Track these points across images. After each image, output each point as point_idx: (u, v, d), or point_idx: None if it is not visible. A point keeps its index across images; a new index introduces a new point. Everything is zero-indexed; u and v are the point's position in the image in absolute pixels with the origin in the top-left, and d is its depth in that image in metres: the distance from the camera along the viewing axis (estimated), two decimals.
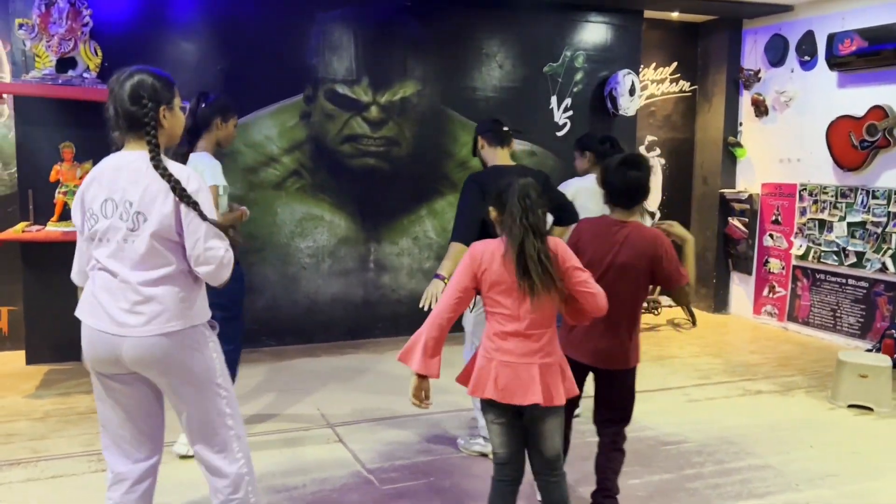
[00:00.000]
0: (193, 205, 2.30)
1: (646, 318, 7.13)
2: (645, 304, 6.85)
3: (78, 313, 2.40)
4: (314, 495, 3.36)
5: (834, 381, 4.87)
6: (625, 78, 6.65)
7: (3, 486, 3.39)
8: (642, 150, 7.72)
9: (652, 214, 6.61)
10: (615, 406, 3.14)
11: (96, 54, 5.12)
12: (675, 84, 7.78)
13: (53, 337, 5.30)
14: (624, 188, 2.98)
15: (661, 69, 7.68)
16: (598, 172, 3.25)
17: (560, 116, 6.75)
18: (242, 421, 2.56)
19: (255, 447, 3.83)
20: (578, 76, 6.77)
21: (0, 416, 4.28)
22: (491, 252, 2.58)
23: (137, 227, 2.29)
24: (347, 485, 3.47)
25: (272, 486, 3.43)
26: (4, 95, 5.27)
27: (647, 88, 7.64)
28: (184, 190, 2.29)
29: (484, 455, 3.77)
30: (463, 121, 6.37)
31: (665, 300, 7.17)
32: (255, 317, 5.90)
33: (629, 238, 2.96)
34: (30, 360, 5.36)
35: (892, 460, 3.91)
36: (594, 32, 6.80)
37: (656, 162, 7.82)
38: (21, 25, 4.93)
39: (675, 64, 7.72)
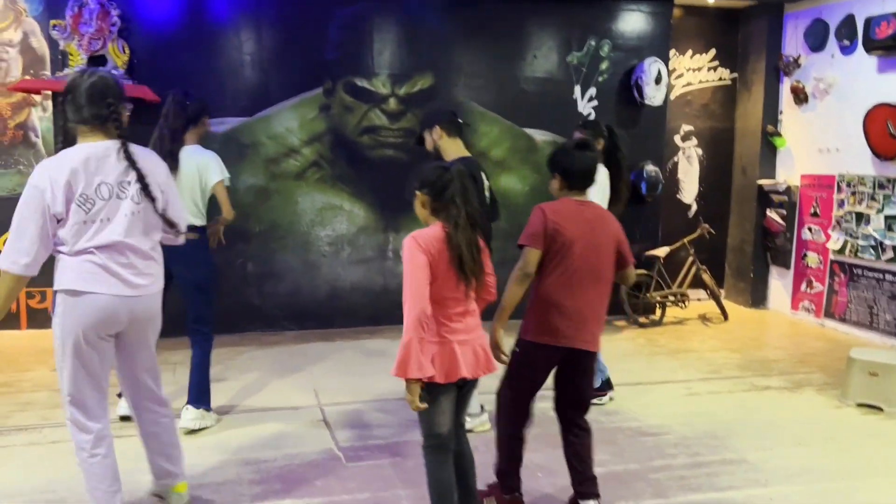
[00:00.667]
0: (152, 200, 2.74)
1: (673, 312, 7.00)
2: (672, 298, 6.76)
3: (82, 285, 2.63)
4: (280, 469, 3.53)
5: (843, 378, 4.68)
6: (651, 66, 6.53)
7: (6, 448, 3.72)
8: (678, 139, 7.57)
9: None
10: (586, 389, 3.19)
11: (124, 52, 5.46)
12: (713, 72, 7.56)
13: None
14: (584, 170, 3.07)
15: (697, 57, 7.48)
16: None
17: (584, 106, 6.69)
18: None
19: (242, 423, 4.08)
20: (604, 65, 6.69)
21: (25, 387, 4.66)
22: (434, 238, 2.63)
23: (141, 202, 2.70)
24: (315, 461, 3.62)
25: (244, 458, 3.63)
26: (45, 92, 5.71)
27: (682, 77, 7.46)
28: (147, 185, 2.72)
29: None
30: (482, 111, 6.42)
31: (693, 294, 7.01)
32: (276, 302, 6.16)
33: (598, 217, 3.07)
34: None
35: (882, 461, 3.75)
36: (621, 20, 6.70)
37: (693, 152, 7.64)
38: (54, 26, 5.32)
39: (713, 51, 7.51)
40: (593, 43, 6.64)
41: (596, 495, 3.10)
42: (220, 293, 5.86)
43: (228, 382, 4.79)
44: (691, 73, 7.48)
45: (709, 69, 7.53)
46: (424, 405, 2.57)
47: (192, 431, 3.90)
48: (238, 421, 4.14)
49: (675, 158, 7.58)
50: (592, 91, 6.69)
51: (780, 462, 3.70)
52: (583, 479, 3.09)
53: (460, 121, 3.91)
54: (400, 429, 4.07)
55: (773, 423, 4.24)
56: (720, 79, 7.58)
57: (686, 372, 5.25)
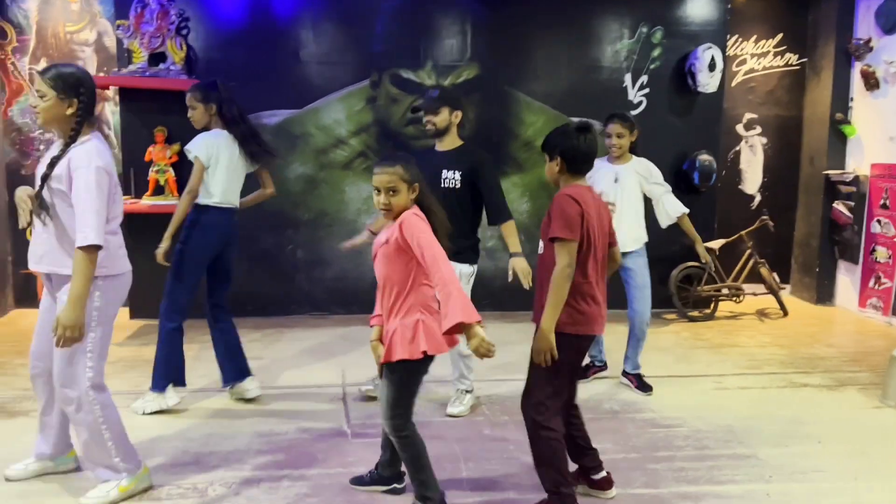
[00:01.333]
0: None
1: (729, 307, 6.79)
2: (725, 291, 6.56)
3: (121, 267, 3.04)
4: (289, 441, 3.71)
5: (885, 378, 4.44)
6: (704, 53, 6.33)
7: None
8: (739, 128, 7.31)
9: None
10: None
11: (181, 48, 5.80)
12: (779, 57, 7.24)
13: (152, 295, 6.10)
14: (589, 154, 2.98)
15: (762, 42, 7.19)
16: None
17: (635, 95, 6.57)
18: None
19: (266, 399, 4.31)
20: (656, 52, 6.55)
21: None
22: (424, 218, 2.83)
23: None
24: (323, 435, 3.79)
25: (258, 430, 3.84)
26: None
27: (745, 63, 7.19)
28: None
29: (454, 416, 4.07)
30: (528, 100, 6.43)
31: (748, 287, 6.75)
32: (324, 287, 6.41)
33: (600, 202, 3.06)
34: (133, 315, 6.23)
35: None
36: (675, 6, 6.53)
37: (756, 141, 7.36)
38: (119, 26, 5.72)
39: (779, 36, 7.20)
40: (645, 30, 6.51)
41: None
42: (271, 278, 6.21)
43: (264, 361, 5.04)
44: (755, 59, 7.20)
45: (775, 54, 7.23)
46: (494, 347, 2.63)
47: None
48: (263, 396, 4.37)
49: (737, 148, 7.33)
50: (644, 79, 6.56)
51: (793, 460, 3.57)
52: (595, 454, 3.16)
53: None
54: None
55: (797, 421, 4.08)
56: (787, 64, 7.26)
57: (722, 366, 5.11)
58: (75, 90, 2.87)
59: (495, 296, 6.26)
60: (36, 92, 2.87)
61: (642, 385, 4.51)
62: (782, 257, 7.48)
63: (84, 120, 2.91)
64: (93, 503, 3.02)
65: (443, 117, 3.94)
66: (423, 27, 6.25)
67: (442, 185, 3.90)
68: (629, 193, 4.57)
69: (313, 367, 4.97)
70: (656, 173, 4.64)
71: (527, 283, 3.73)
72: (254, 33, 6.08)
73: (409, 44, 6.25)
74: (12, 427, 3.84)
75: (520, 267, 3.80)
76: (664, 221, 4.76)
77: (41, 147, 6.37)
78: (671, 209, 4.68)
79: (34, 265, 2.99)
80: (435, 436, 3.77)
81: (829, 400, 4.47)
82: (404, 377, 2.86)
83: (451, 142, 3.98)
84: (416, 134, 6.31)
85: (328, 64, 6.19)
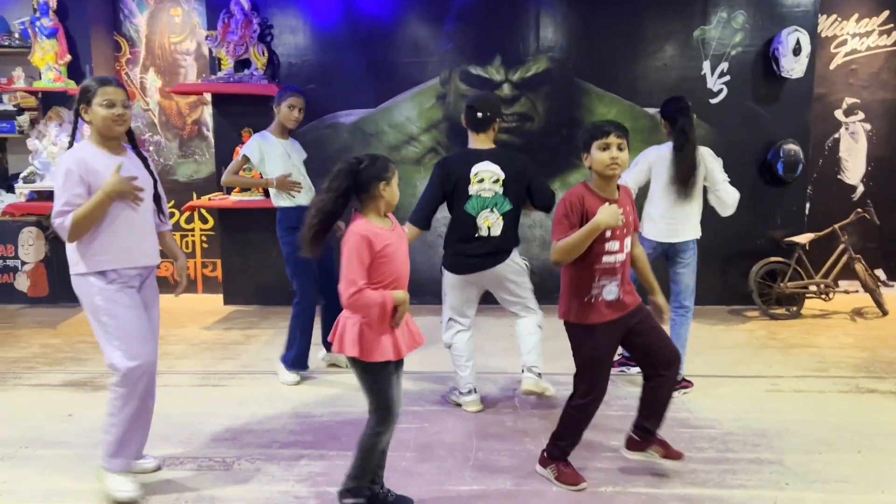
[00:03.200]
0: None
1: (818, 305, 6.41)
2: (814, 289, 6.21)
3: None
4: (320, 424, 3.97)
5: None
6: (788, 37, 5.99)
7: None
8: (839, 114, 6.83)
9: None
10: None
11: (263, 55, 6.23)
12: (886, 36, 6.69)
13: (243, 283, 6.64)
14: None
15: (865, 21, 6.67)
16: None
17: (714, 83, 6.32)
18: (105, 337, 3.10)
19: (316, 382, 4.61)
20: (737, 38, 6.26)
21: (171, 340, 5.60)
22: None
23: None
24: (354, 420, 4.01)
25: (298, 412, 4.13)
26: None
27: (845, 44, 6.70)
28: None
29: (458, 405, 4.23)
30: (599, 92, 6.35)
31: (845, 284, 6.32)
32: None
33: None
34: (226, 302, 6.78)
35: None
36: None
37: (859, 127, 6.84)
38: (207, 37, 6.23)
39: (885, 13, 6.65)
40: (725, 14, 6.23)
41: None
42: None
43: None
44: (857, 39, 6.69)
45: (880, 33, 6.68)
46: None
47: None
48: (314, 380, 4.68)
49: (836, 135, 6.85)
50: (724, 66, 6.29)
51: (820, 467, 3.40)
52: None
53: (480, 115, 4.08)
54: (432, 398, 4.34)
55: (844, 428, 3.86)
56: (895, 43, 6.69)
57: (785, 368, 4.87)
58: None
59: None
60: (127, 100, 3.04)
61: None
62: (890, 252, 6.93)
63: None
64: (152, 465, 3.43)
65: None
66: (491, 22, 6.33)
67: None
68: None
69: None
70: None
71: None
72: (331, 38, 6.42)
73: (478, 40, 6.36)
74: (97, 400, 4.36)
75: None
76: None
77: (150, 149, 7.05)
78: None
79: (154, 260, 3.21)
80: (456, 424, 3.92)
81: (893, 408, 4.17)
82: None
83: None
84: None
85: (400, 64, 6.42)
